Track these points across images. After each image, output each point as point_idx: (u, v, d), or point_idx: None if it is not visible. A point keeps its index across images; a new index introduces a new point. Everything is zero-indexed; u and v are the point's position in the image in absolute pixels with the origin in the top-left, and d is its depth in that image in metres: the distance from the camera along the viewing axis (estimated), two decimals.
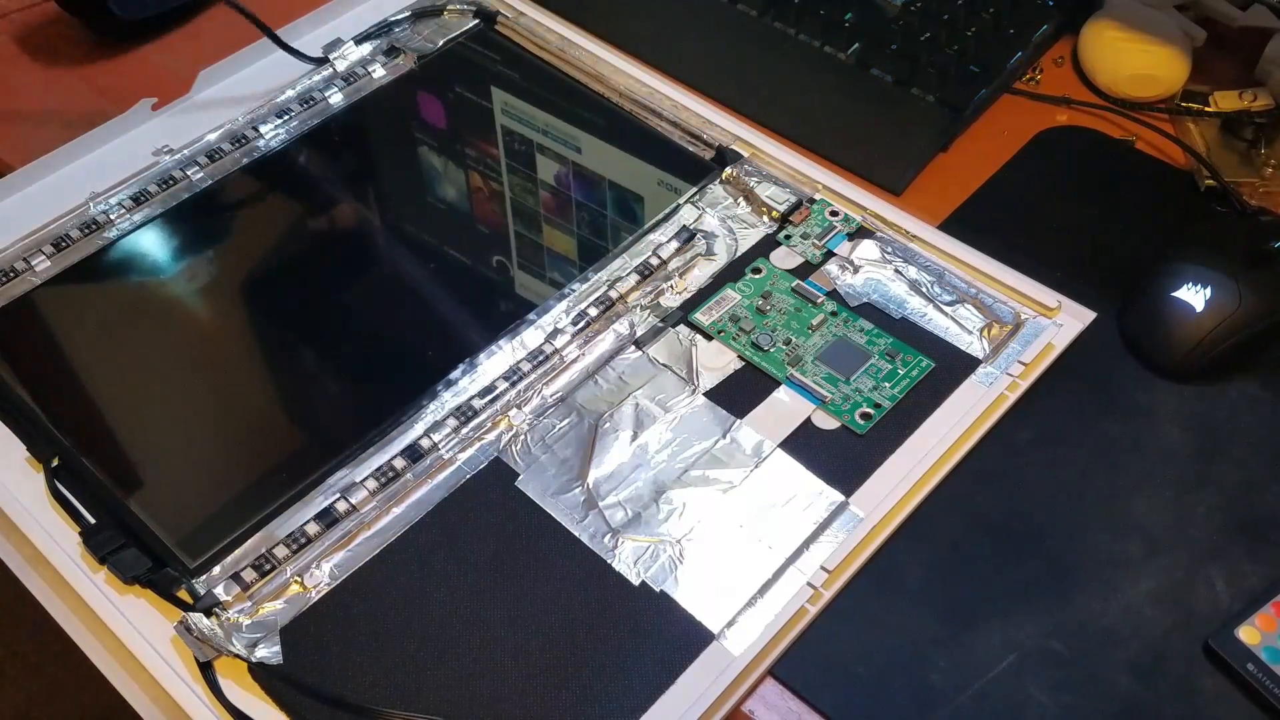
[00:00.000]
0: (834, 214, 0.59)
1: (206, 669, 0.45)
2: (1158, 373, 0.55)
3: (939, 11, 0.68)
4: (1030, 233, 0.60)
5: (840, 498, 0.49)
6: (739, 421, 0.52)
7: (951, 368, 0.53)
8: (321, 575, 0.48)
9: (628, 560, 0.48)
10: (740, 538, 0.48)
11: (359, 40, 0.68)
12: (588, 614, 0.47)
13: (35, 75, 0.70)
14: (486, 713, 0.44)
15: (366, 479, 0.50)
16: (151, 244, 0.60)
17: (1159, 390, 0.54)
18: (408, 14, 0.70)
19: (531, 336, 0.55)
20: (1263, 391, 0.54)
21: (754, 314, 0.56)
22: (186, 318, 0.59)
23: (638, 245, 0.59)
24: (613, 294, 0.56)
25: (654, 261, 0.57)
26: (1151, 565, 0.49)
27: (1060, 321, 0.55)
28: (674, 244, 0.58)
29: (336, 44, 0.68)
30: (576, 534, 0.49)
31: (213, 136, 0.64)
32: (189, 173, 0.62)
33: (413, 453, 0.51)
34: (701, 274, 0.58)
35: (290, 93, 0.66)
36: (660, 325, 0.56)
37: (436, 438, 0.51)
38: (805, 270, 0.58)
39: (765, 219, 0.60)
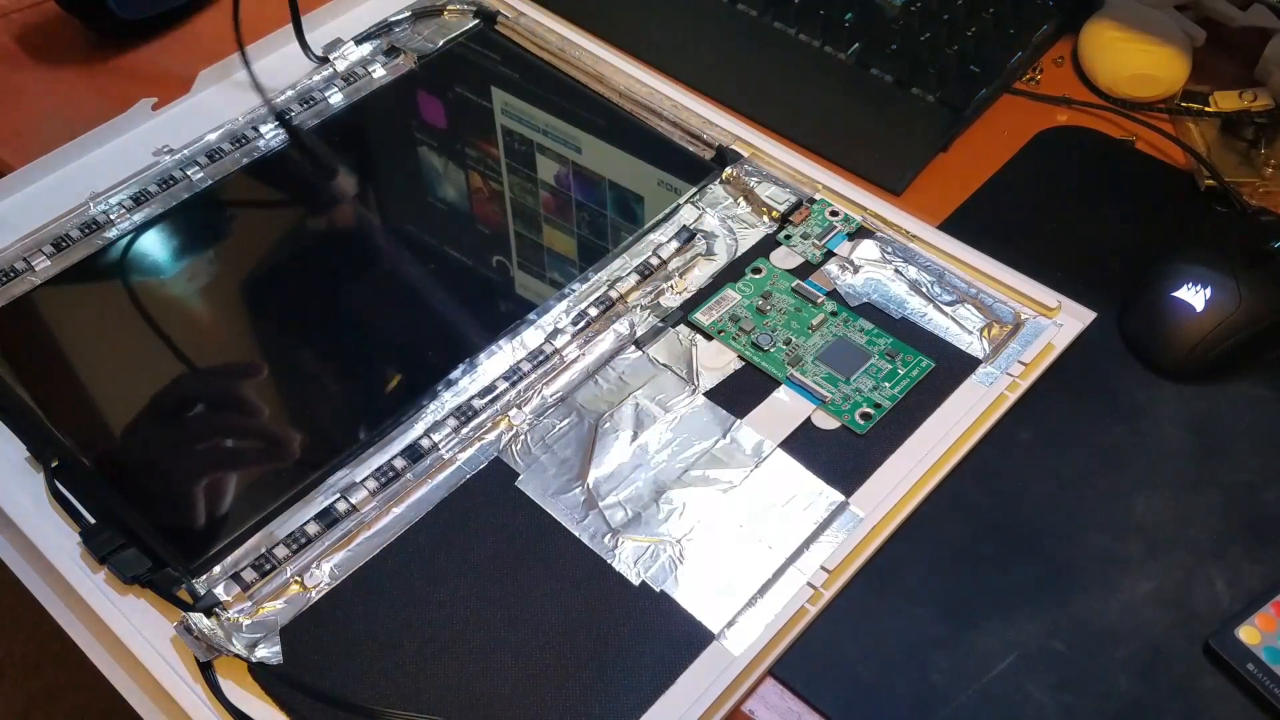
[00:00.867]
0: (834, 214, 0.59)
1: (206, 669, 0.45)
2: (1158, 373, 0.55)
3: (939, 11, 0.68)
4: (1030, 233, 0.60)
5: (840, 498, 0.49)
6: (739, 421, 0.52)
7: (951, 368, 0.53)
8: (321, 575, 0.48)
9: (628, 560, 0.48)
10: (740, 538, 0.48)
11: (359, 40, 0.68)
12: (588, 614, 0.46)
13: (35, 75, 0.70)
14: (486, 713, 0.44)
15: (366, 479, 0.50)
16: (151, 244, 0.60)
17: (1159, 390, 0.54)
18: (408, 14, 0.70)
19: (531, 336, 0.55)
20: (1263, 391, 0.54)
21: (754, 314, 0.56)
22: (186, 318, 0.59)
23: (638, 245, 0.59)
24: (613, 294, 0.56)
25: (654, 261, 0.57)
26: (1151, 565, 0.49)
27: (1060, 321, 0.55)
28: (674, 244, 0.58)
29: (336, 44, 0.68)
30: (576, 534, 0.49)
31: (213, 136, 0.64)
32: (189, 173, 0.62)
33: (413, 453, 0.51)
34: (701, 274, 0.58)
35: (290, 92, 0.66)
36: (660, 325, 0.56)
37: (436, 438, 0.51)
38: (805, 270, 0.58)
39: (765, 219, 0.60)
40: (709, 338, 0.55)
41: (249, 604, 0.47)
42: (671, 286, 0.57)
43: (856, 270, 0.57)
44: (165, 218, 0.61)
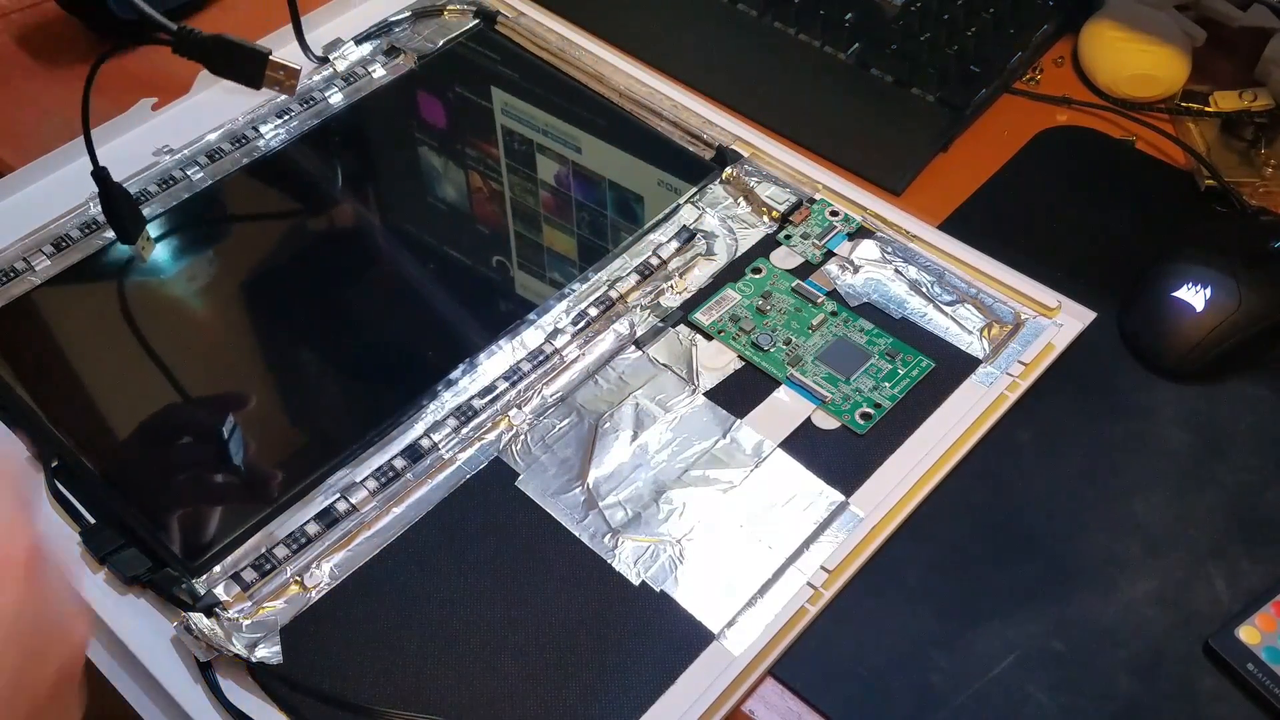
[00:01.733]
0: (834, 214, 0.59)
1: (206, 669, 0.45)
2: (1158, 373, 0.54)
3: (939, 11, 0.68)
4: (1030, 233, 0.60)
5: (840, 498, 0.49)
6: (739, 421, 0.52)
7: (951, 368, 0.53)
8: (321, 575, 0.48)
9: (628, 560, 0.48)
10: (740, 538, 0.48)
11: (359, 40, 0.68)
12: (588, 614, 0.46)
13: (35, 75, 0.70)
14: (486, 713, 0.44)
15: (366, 479, 0.50)
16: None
17: (1159, 390, 0.54)
18: (408, 14, 0.70)
19: (531, 336, 0.55)
20: (1263, 391, 0.54)
21: (754, 314, 0.56)
22: (186, 318, 0.59)
23: (638, 245, 0.59)
24: (613, 294, 0.56)
25: (654, 261, 0.57)
26: (1151, 565, 0.49)
27: (1060, 321, 0.55)
28: (674, 244, 0.58)
29: (336, 44, 0.68)
30: (576, 534, 0.49)
31: (213, 136, 0.64)
32: (189, 173, 0.62)
33: (413, 453, 0.51)
34: (701, 274, 0.58)
35: None
36: (660, 325, 0.56)
37: (436, 438, 0.51)
38: (805, 270, 0.58)
39: (765, 219, 0.60)
40: (709, 338, 0.55)
41: (249, 604, 0.47)
42: (671, 286, 0.57)
43: (856, 270, 0.57)
44: (165, 218, 0.61)
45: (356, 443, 0.51)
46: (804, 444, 0.51)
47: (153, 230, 0.60)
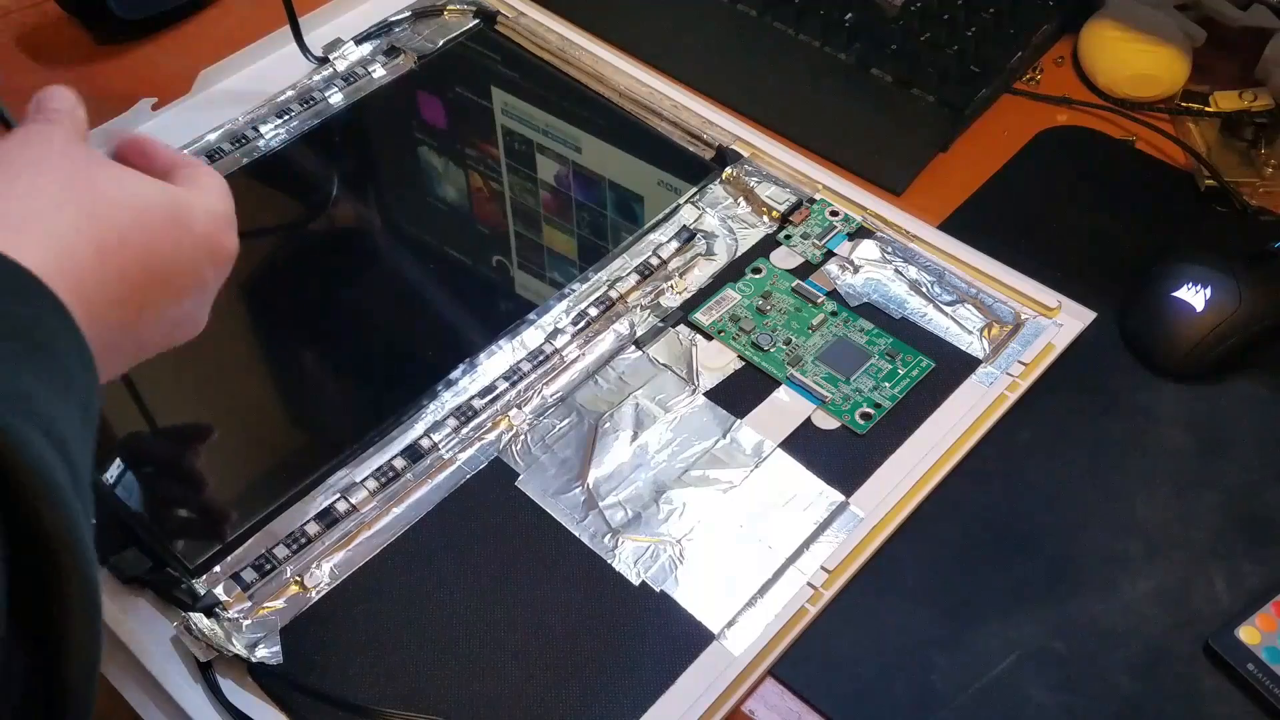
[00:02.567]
0: (834, 214, 0.59)
1: (206, 669, 0.45)
2: (1158, 373, 0.54)
3: (939, 11, 0.68)
4: (1030, 233, 0.60)
5: (840, 498, 0.49)
6: (739, 421, 0.52)
7: (951, 368, 0.53)
8: (321, 575, 0.48)
9: (628, 560, 0.48)
10: (740, 538, 0.48)
11: (359, 40, 0.68)
12: (588, 614, 0.46)
13: (35, 75, 0.70)
14: (486, 713, 0.44)
15: (366, 479, 0.50)
16: None
17: (1159, 390, 0.54)
18: (408, 14, 0.70)
19: (531, 336, 0.55)
20: (1263, 391, 0.54)
21: (754, 314, 0.56)
22: None
23: (638, 245, 0.59)
24: (613, 294, 0.56)
25: (654, 261, 0.57)
26: (1151, 565, 0.49)
27: (1060, 321, 0.55)
28: (674, 244, 0.58)
29: (336, 44, 0.68)
30: (576, 534, 0.49)
31: (213, 136, 0.63)
32: None
33: (413, 453, 0.51)
34: (701, 274, 0.58)
35: (290, 92, 0.66)
36: (660, 325, 0.56)
37: (436, 438, 0.51)
38: (805, 270, 0.58)
39: (765, 219, 0.60)
40: (709, 338, 0.55)
41: (249, 604, 0.47)
42: (671, 286, 0.57)
43: (856, 270, 0.57)
44: None
45: (356, 443, 0.51)
46: (804, 444, 0.51)
47: None
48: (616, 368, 0.54)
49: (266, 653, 0.45)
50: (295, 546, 0.48)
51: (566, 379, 0.54)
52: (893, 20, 0.69)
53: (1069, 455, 0.52)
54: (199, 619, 0.45)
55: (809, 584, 0.47)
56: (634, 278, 0.56)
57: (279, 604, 0.47)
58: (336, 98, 0.66)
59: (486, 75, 0.68)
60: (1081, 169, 0.64)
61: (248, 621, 0.46)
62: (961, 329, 0.55)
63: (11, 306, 0.29)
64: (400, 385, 0.54)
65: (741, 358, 0.54)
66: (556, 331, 0.55)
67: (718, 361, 0.54)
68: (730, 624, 0.46)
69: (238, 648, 0.45)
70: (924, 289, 0.56)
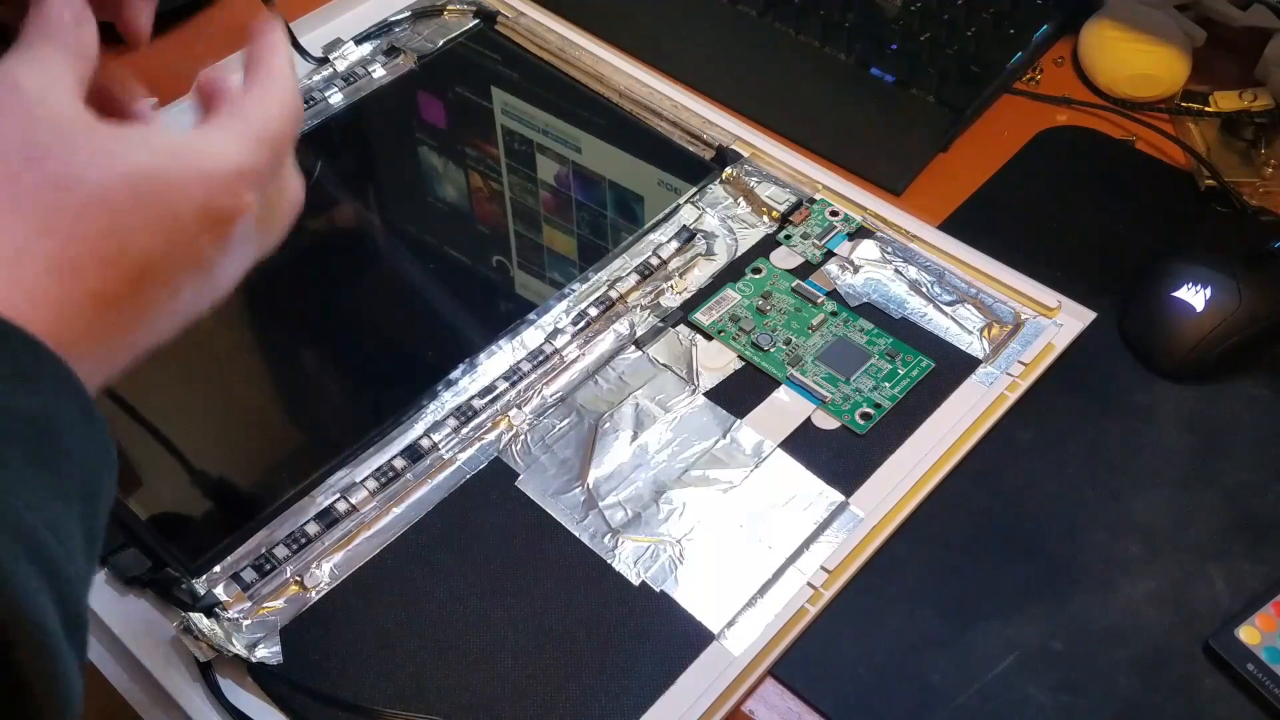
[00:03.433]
0: (834, 214, 0.59)
1: (206, 669, 0.45)
2: (1158, 373, 0.54)
3: (939, 11, 0.68)
4: (1030, 233, 0.60)
5: (840, 498, 0.49)
6: (739, 421, 0.52)
7: (951, 368, 0.53)
8: (321, 575, 0.48)
9: (628, 560, 0.48)
10: (740, 538, 0.48)
11: (359, 40, 0.68)
12: (588, 614, 0.46)
13: None
14: (486, 713, 0.44)
15: (366, 479, 0.50)
16: None
17: (1159, 390, 0.54)
18: (408, 14, 0.70)
19: (531, 336, 0.55)
20: (1263, 391, 0.54)
21: (754, 314, 0.56)
22: None
23: (638, 245, 0.59)
24: (613, 294, 0.56)
25: (654, 261, 0.57)
26: (1151, 565, 0.49)
27: (1060, 321, 0.55)
28: (674, 244, 0.58)
29: (336, 44, 0.68)
30: (576, 534, 0.49)
31: None
32: None
33: (413, 453, 0.51)
34: (701, 274, 0.58)
35: None
36: (660, 325, 0.56)
37: (436, 438, 0.51)
38: (805, 270, 0.58)
39: (765, 219, 0.60)
40: (709, 338, 0.55)
41: (249, 604, 0.47)
42: (671, 286, 0.57)
43: (856, 270, 0.57)
44: None
45: (356, 443, 0.51)
46: (804, 444, 0.51)
47: None
48: (616, 368, 0.54)
49: (266, 653, 0.45)
50: (295, 546, 0.48)
51: (566, 379, 0.54)
52: (893, 20, 0.69)
53: (1069, 455, 0.52)
54: (199, 619, 0.45)
55: (809, 584, 0.47)
56: (634, 278, 0.56)
57: (279, 604, 0.47)
58: (336, 98, 0.66)
59: (486, 75, 0.68)
60: (1081, 169, 0.64)
61: (248, 621, 0.46)
62: (961, 329, 0.55)
63: (13, 395, 0.26)
64: (400, 385, 0.54)
65: (741, 358, 0.54)
66: (556, 331, 0.55)
67: (718, 361, 0.54)
68: (730, 624, 0.46)
69: (238, 648, 0.45)
70: (924, 289, 0.56)
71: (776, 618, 0.46)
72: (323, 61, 0.67)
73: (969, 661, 0.46)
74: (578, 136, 0.64)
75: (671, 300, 0.57)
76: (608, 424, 0.52)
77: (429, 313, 0.59)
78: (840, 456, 0.51)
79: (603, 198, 0.63)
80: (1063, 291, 0.55)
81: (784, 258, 0.58)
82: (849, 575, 0.48)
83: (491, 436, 0.52)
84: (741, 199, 0.61)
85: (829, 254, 0.58)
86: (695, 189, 0.61)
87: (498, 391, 0.52)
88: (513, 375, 0.53)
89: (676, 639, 0.46)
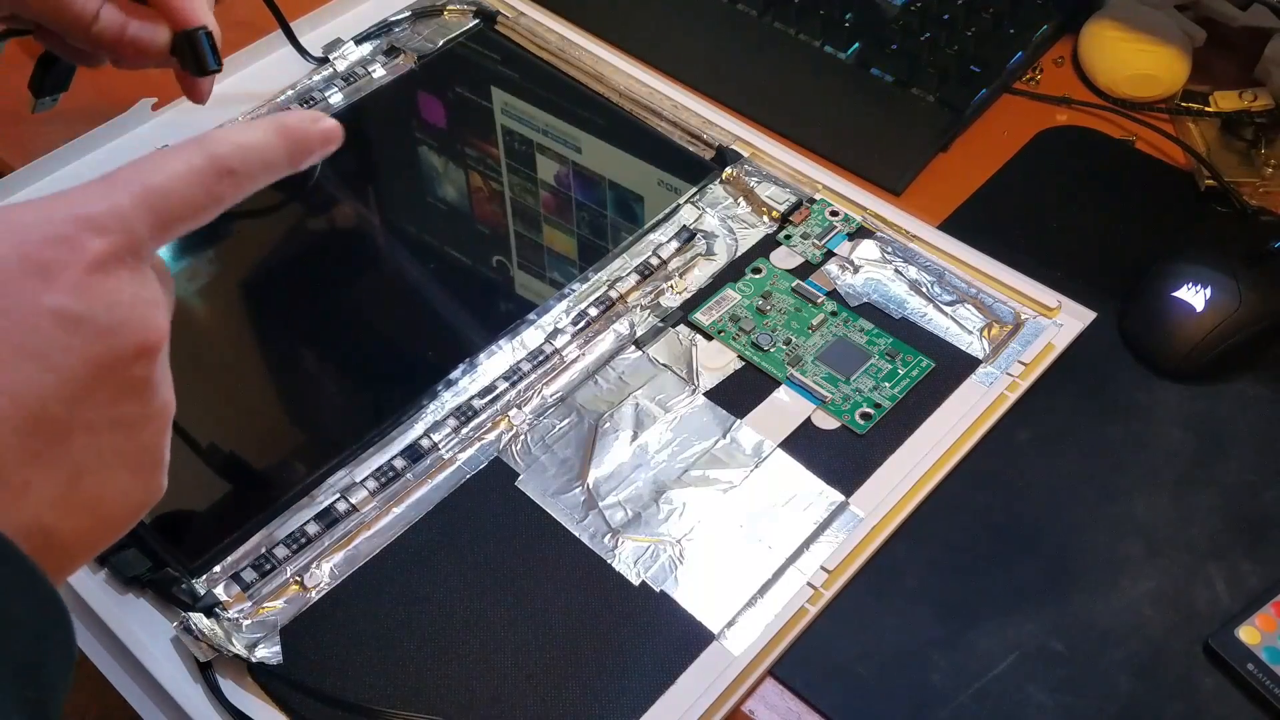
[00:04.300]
0: (834, 214, 0.59)
1: (206, 669, 0.45)
2: (1158, 373, 0.54)
3: (939, 11, 0.68)
4: (1030, 233, 0.60)
5: (840, 498, 0.49)
6: (739, 421, 0.52)
7: (951, 368, 0.53)
8: (321, 575, 0.48)
9: (628, 560, 0.48)
10: (740, 538, 0.48)
11: (359, 40, 0.68)
12: (588, 614, 0.46)
13: None
14: (486, 713, 0.44)
15: (366, 479, 0.50)
16: None
17: (1159, 390, 0.54)
18: (408, 14, 0.70)
19: (531, 336, 0.55)
20: (1263, 391, 0.54)
21: (754, 314, 0.56)
22: (186, 318, 0.59)
23: (638, 245, 0.59)
24: (613, 294, 0.56)
25: (654, 261, 0.57)
26: (1151, 565, 0.49)
27: (1060, 321, 0.55)
28: (674, 244, 0.58)
29: (336, 44, 0.68)
30: (576, 534, 0.49)
31: None
32: None
33: (413, 453, 0.51)
34: (701, 274, 0.58)
35: (290, 93, 0.66)
36: (660, 325, 0.56)
37: (436, 438, 0.51)
38: (805, 270, 0.58)
39: (765, 219, 0.60)
40: (709, 338, 0.55)
41: (249, 604, 0.47)
42: (671, 286, 0.57)
43: (856, 270, 0.57)
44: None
45: (356, 443, 0.51)
46: (804, 444, 0.51)
47: None
48: (616, 368, 0.54)
49: (266, 653, 0.45)
50: (295, 546, 0.48)
51: (566, 379, 0.54)
52: (893, 20, 0.69)
53: (1069, 455, 0.52)
54: (199, 619, 0.45)
55: (809, 584, 0.47)
56: (634, 278, 0.56)
57: (279, 604, 0.47)
58: (336, 98, 0.66)
59: (486, 75, 0.68)
60: (1081, 169, 0.64)
61: (248, 621, 0.46)
62: (961, 329, 0.55)
63: None
64: (400, 385, 0.54)
65: (741, 358, 0.54)
66: (556, 331, 0.55)
67: (718, 361, 0.54)
68: (730, 624, 0.46)
69: (238, 648, 0.45)
70: (924, 289, 0.56)
71: (776, 618, 0.46)
72: (323, 61, 0.67)
73: (969, 661, 0.46)
74: (578, 136, 0.64)
75: (671, 300, 0.57)
76: (608, 424, 0.52)
77: (429, 313, 0.59)
78: (840, 456, 0.51)
79: (603, 198, 0.63)
80: (1063, 291, 0.55)
81: (784, 258, 0.58)
82: (849, 575, 0.48)
83: (491, 436, 0.52)
84: (741, 199, 0.61)
85: (829, 254, 0.58)
86: (695, 189, 0.61)
87: (498, 391, 0.52)
88: (513, 375, 0.53)
89: (676, 639, 0.46)
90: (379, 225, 0.65)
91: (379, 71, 0.68)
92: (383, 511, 0.50)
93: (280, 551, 0.47)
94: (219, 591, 0.46)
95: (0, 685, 0.24)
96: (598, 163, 0.64)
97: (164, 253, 0.61)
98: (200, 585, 0.47)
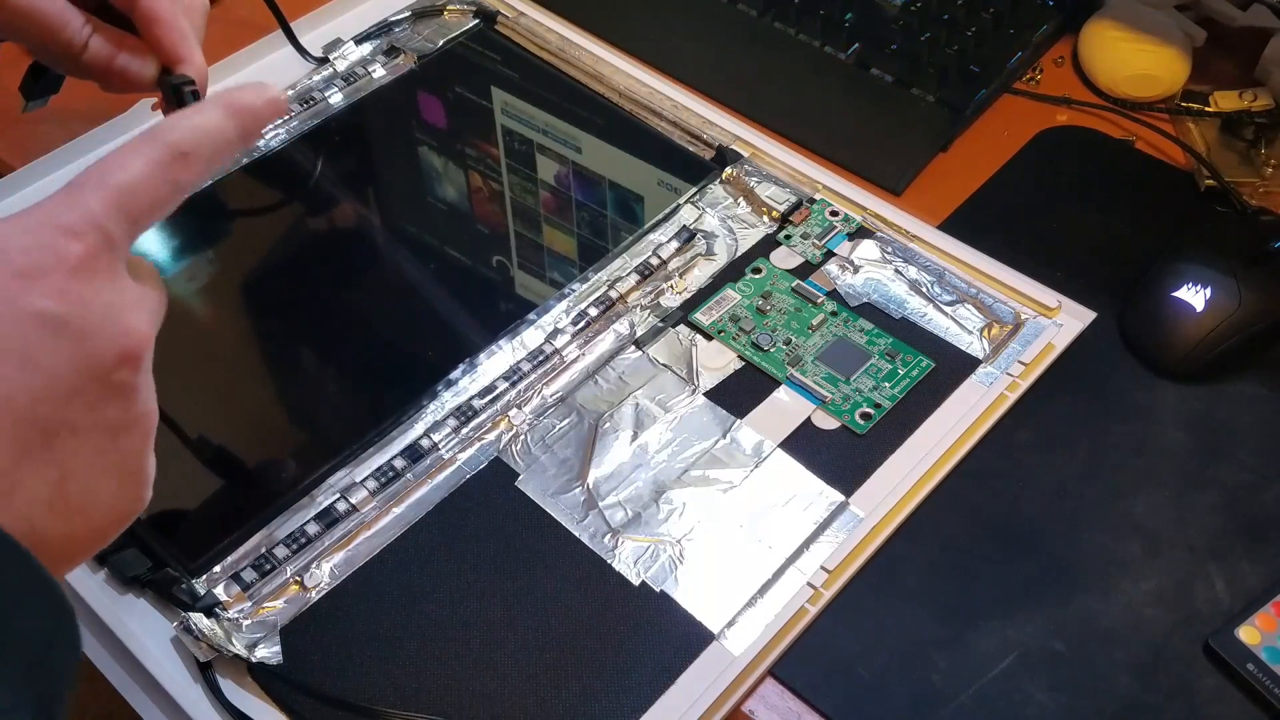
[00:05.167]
0: (834, 214, 0.59)
1: (206, 669, 0.45)
2: (1158, 373, 0.54)
3: (939, 11, 0.68)
4: (1030, 233, 0.60)
5: (840, 498, 0.49)
6: (739, 421, 0.52)
7: (951, 368, 0.53)
8: (321, 575, 0.48)
9: (628, 560, 0.48)
10: (740, 538, 0.48)
11: (359, 40, 0.68)
12: (588, 614, 0.46)
13: None
14: (486, 713, 0.44)
15: (366, 479, 0.50)
16: (151, 244, 0.60)
17: (1159, 390, 0.54)
18: (408, 14, 0.70)
19: (531, 336, 0.55)
20: (1263, 391, 0.54)
21: (754, 314, 0.56)
22: (186, 318, 0.59)
23: (638, 245, 0.59)
24: (613, 294, 0.56)
25: (654, 261, 0.57)
26: (1151, 565, 0.49)
27: (1060, 321, 0.55)
28: (674, 244, 0.58)
29: (336, 44, 0.68)
30: (576, 534, 0.49)
31: None
32: None
33: (413, 453, 0.51)
34: (701, 274, 0.58)
35: (290, 93, 0.66)
36: (660, 325, 0.56)
37: (436, 438, 0.51)
38: (805, 270, 0.58)
39: (765, 219, 0.60)
40: (709, 338, 0.55)
41: (249, 604, 0.47)
42: (671, 286, 0.57)
43: (856, 270, 0.57)
44: (165, 218, 0.61)
45: (356, 443, 0.51)
46: (804, 444, 0.51)
47: (153, 230, 0.60)
48: (616, 368, 0.54)
49: (266, 653, 0.45)
50: (295, 546, 0.48)
51: (566, 379, 0.54)
52: (893, 20, 0.69)
53: (1069, 455, 0.52)
54: (199, 619, 0.45)
55: (809, 584, 0.47)
56: (634, 278, 0.56)
57: (279, 604, 0.47)
58: (336, 98, 0.67)
59: (486, 75, 0.68)
60: (1081, 169, 0.64)
61: (248, 621, 0.46)
62: (961, 329, 0.55)
63: None
64: (400, 385, 0.54)
65: (741, 358, 0.54)
66: (556, 331, 0.55)
67: (718, 361, 0.54)
68: (730, 624, 0.46)
69: (238, 648, 0.45)
70: (924, 289, 0.56)
71: (776, 618, 0.46)
72: (323, 61, 0.67)
73: (969, 661, 0.46)
74: (578, 136, 0.64)
75: (671, 300, 0.57)
76: (608, 424, 0.52)
77: (429, 313, 0.59)
78: (840, 456, 0.51)
79: (603, 198, 0.63)
80: (1063, 291, 0.55)
81: (784, 258, 0.58)
82: (849, 575, 0.48)
83: (491, 436, 0.52)
84: (741, 199, 0.61)
85: (829, 254, 0.58)
86: (695, 189, 0.61)
87: (498, 391, 0.52)
88: (513, 375, 0.53)
89: (676, 639, 0.46)
90: (379, 225, 0.65)
91: (379, 71, 0.68)
92: (383, 511, 0.50)
93: (280, 551, 0.47)
94: (219, 591, 0.46)
95: (11, 684, 0.24)
96: (598, 163, 0.64)
97: (164, 253, 0.62)
98: (200, 585, 0.47)
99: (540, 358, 0.54)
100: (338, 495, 0.49)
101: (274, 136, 0.64)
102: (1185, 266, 0.55)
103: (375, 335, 0.59)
